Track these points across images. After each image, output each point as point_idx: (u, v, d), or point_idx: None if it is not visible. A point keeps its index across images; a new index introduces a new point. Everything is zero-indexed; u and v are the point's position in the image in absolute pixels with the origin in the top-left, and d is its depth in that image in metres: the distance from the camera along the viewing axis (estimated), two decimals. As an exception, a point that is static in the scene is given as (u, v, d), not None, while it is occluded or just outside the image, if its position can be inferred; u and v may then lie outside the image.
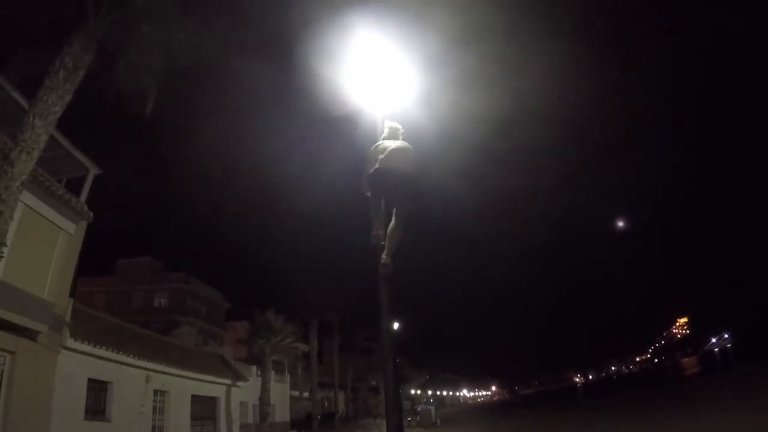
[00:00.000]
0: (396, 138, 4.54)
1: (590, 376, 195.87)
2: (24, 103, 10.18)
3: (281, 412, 31.95)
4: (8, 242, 8.96)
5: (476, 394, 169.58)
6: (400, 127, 4.66)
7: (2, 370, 10.91)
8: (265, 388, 23.33)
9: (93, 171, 14.16)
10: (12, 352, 11.06)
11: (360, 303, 42.74)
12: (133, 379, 16.04)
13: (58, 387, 12.56)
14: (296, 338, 26.78)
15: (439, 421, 39.92)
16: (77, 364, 13.48)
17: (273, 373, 26.19)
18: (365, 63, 5.03)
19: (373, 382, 69.78)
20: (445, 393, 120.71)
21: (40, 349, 11.84)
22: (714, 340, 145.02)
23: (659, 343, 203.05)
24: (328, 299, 39.02)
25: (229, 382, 23.67)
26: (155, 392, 17.43)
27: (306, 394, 41.38)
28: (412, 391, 79.51)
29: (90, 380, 14.01)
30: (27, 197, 10.79)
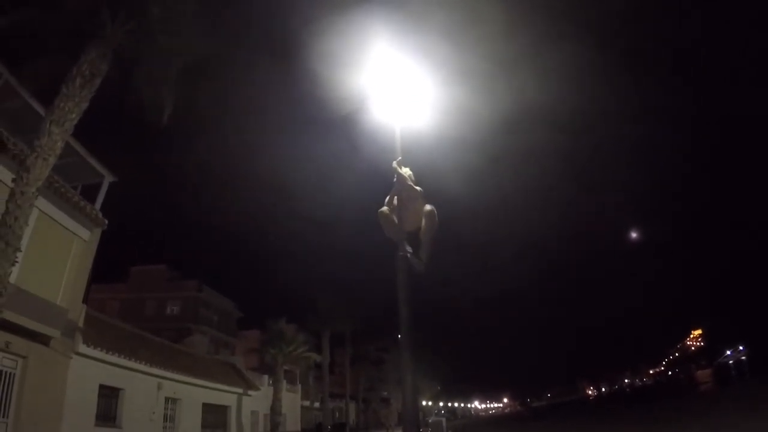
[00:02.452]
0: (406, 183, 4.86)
1: (603, 389, 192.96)
2: (40, 110, 10.32)
3: (292, 422, 31.84)
4: (23, 248, 9.03)
5: (488, 405, 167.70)
6: (410, 173, 5.00)
7: (14, 374, 10.97)
8: (276, 398, 23.23)
9: (108, 178, 14.30)
10: (24, 357, 11.12)
11: (373, 314, 42.50)
12: (144, 386, 16.10)
13: (70, 392, 12.61)
14: (308, 348, 26.71)
15: (449, 433, 39.45)
16: (89, 369, 13.54)
17: (285, 382, 26.09)
18: (381, 66, 5.10)
19: (385, 393, 69.27)
20: (456, 404, 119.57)
21: (52, 354, 11.90)
22: (729, 353, 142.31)
23: (673, 355, 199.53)
24: (341, 309, 38.92)
25: (240, 390, 23.69)
26: (166, 400, 17.47)
27: (317, 404, 41.20)
28: (423, 402, 78.81)
29: (101, 386, 14.07)
30: (42, 203, 10.89)
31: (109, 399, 14.46)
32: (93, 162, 13.48)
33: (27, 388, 11.07)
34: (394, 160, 4.95)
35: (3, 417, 10.66)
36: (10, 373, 10.96)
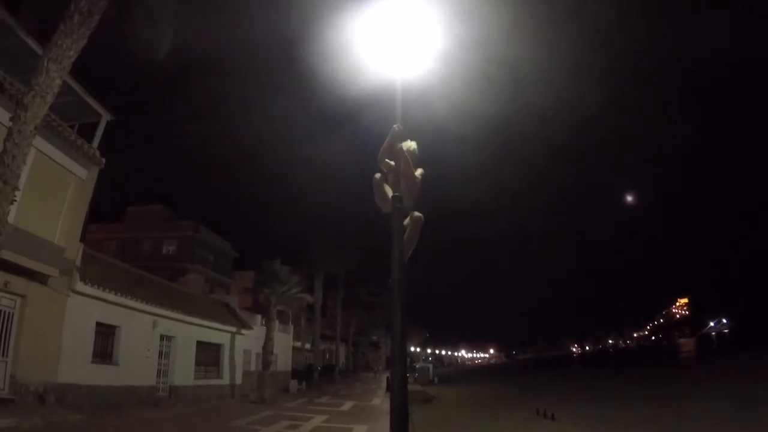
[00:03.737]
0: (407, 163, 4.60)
1: (587, 348, 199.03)
2: (38, 50, 9.95)
3: (283, 362, 32.73)
4: (21, 186, 8.93)
5: (474, 356, 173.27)
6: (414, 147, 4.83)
7: (13, 313, 11.13)
8: (268, 337, 23.63)
9: (106, 117, 13.98)
10: (23, 296, 11.26)
11: (366, 258, 42.85)
12: (140, 323, 16.33)
13: (67, 330, 12.84)
14: (301, 289, 26.89)
15: (436, 379, 40.96)
16: (86, 307, 13.71)
17: (277, 323, 26.51)
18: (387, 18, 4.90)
19: (374, 337, 71.47)
20: (443, 353, 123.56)
21: (50, 292, 12.04)
22: (712, 324, 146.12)
23: (658, 321, 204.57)
24: (335, 253, 39.25)
25: (234, 329, 24.07)
26: (161, 337, 17.78)
27: (308, 346, 42.32)
28: (412, 349, 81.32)
29: (98, 324, 14.28)
30: (40, 142, 10.65)
31: (105, 337, 14.71)
32: (91, 101, 13.13)
33: (25, 326, 11.28)
34: (396, 108, 4.74)
35: (3, 356, 10.92)
36: (8, 313, 11.14)
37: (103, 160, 14.01)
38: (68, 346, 12.78)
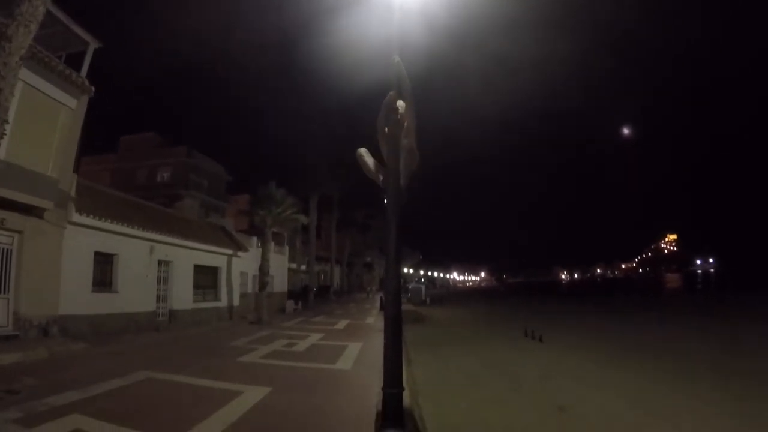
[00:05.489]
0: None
1: (576, 275, 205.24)
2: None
3: (280, 283, 33.77)
4: (10, 120, 8.82)
5: (465, 278, 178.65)
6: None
7: (11, 250, 11.35)
8: (264, 258, 24.03)
9: (93, 45, 13.41)
10: (20, 232, 11.42)
11: (361, 180, 42.68)
12: (137, 250, 16.66)
13: (66, 262, 13.15)
14: (296, 210, 27.08)
15: (428, 300, 42.32)
16: (83, 238, 13.96)
17: (273, 244, 26.88)
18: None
19: (368, 259, 73.25)
20: (436, 275, 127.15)
21: (46, 226, 12.21)
22: (699, 262, 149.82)
23: (646, 254, 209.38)
24: (329, 174, 39.15)
25: (230, 252, 24.52)
26: (159, 263, 18.18)
27: (303, 268, 43.32)
28: (405, 270, 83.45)
29: (96, 253, 14.60)
30: (26, 74, 10.38)
31: (104, 265, 15.07)
32: (76, 29, 12.51)
33: (25, 262, 11.54)
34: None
35: (4, 293, 11.25)
36: (7, 250, 11.36)
37: (93, 89, 13.61)
38: (68, 278, 13.15)
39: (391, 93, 4.58)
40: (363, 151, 4.63)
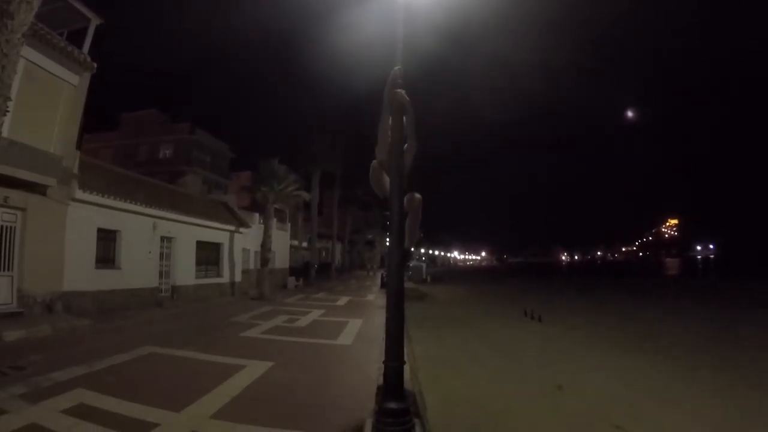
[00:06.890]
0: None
1: (576, 257, 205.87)
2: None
3: (281, 259, 33.87)
4: (12, 97, 8.81)
5: (466, 257, 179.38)
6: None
7: (15, 227, 11.42)
8: (266, 234, 24.11)
9: (94, 21, 13.27)
10: (23, 209, 11.47)
11: (364, 157, 42.37)
12: (140, 226, 16.73)
13: (70, 239, 13.23)
14: (298, 187, 27.08)
15: (429, 278, 42.59)
16: (87, 214, 14.03)
17: (275, 221, 26.92)
18: None
19: (370, 236, 73.41)
20: (437, 253, 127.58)
21: (50, 203, 12.26)
22: (699, 248, 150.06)
23: (647, 238, 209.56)
24: (332, 151, 39.04)
25: (232, 228, 24.56)
26: (162, 239, 18.27)
27: (305, 245, 43.44)
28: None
29: (99, 230, 14.67)
30: (28, 52, 10.33)
31: (107, 242, 15.16)
32: (78, 5, 12.35)
33: (28, 239, 11.62)
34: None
35: (8, 270, 11.35)
36: (10, 227, 11.43)
37: (95, 65, 13.52)
38: (71, 255, 13.25)
39: (396, 68, 4.65)
40: (376, 165, 4.73)
